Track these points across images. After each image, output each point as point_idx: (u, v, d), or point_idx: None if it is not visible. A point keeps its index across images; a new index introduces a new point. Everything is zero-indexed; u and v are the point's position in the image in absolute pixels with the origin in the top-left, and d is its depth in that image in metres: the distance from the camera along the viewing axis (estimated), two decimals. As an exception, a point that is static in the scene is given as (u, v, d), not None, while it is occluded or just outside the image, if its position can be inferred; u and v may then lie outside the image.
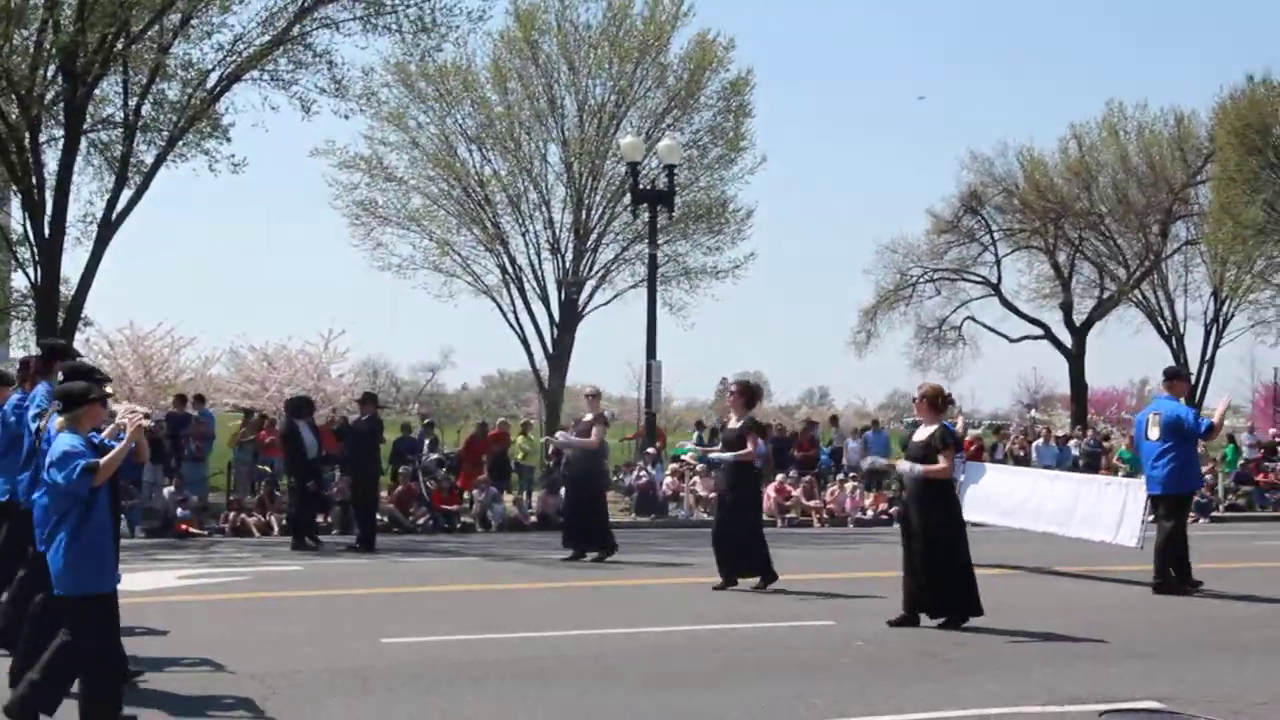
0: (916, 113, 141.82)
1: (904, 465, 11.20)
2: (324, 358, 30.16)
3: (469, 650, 9.60)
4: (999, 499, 16.73)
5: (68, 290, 24.69)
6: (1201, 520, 23.66)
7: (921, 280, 46.75)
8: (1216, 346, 43.32)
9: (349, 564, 16.41)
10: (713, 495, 26.10)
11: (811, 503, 25.09)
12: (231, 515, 20.87)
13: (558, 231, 33.58)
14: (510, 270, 33.51)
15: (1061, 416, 48.34)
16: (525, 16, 32.78)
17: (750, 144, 34.16)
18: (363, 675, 8.54)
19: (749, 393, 14.07)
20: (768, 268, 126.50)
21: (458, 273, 33.93)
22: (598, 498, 17.13)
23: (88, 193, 25.81)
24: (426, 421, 28.12)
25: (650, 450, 27.07)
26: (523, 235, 33.54)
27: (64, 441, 6.83)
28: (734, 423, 13.83)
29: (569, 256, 33.51)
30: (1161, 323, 43.91)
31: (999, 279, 46.41)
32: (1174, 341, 43.83)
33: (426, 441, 25.23)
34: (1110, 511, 14.87)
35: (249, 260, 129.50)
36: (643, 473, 25.55)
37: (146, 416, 7.41)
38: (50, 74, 23.27)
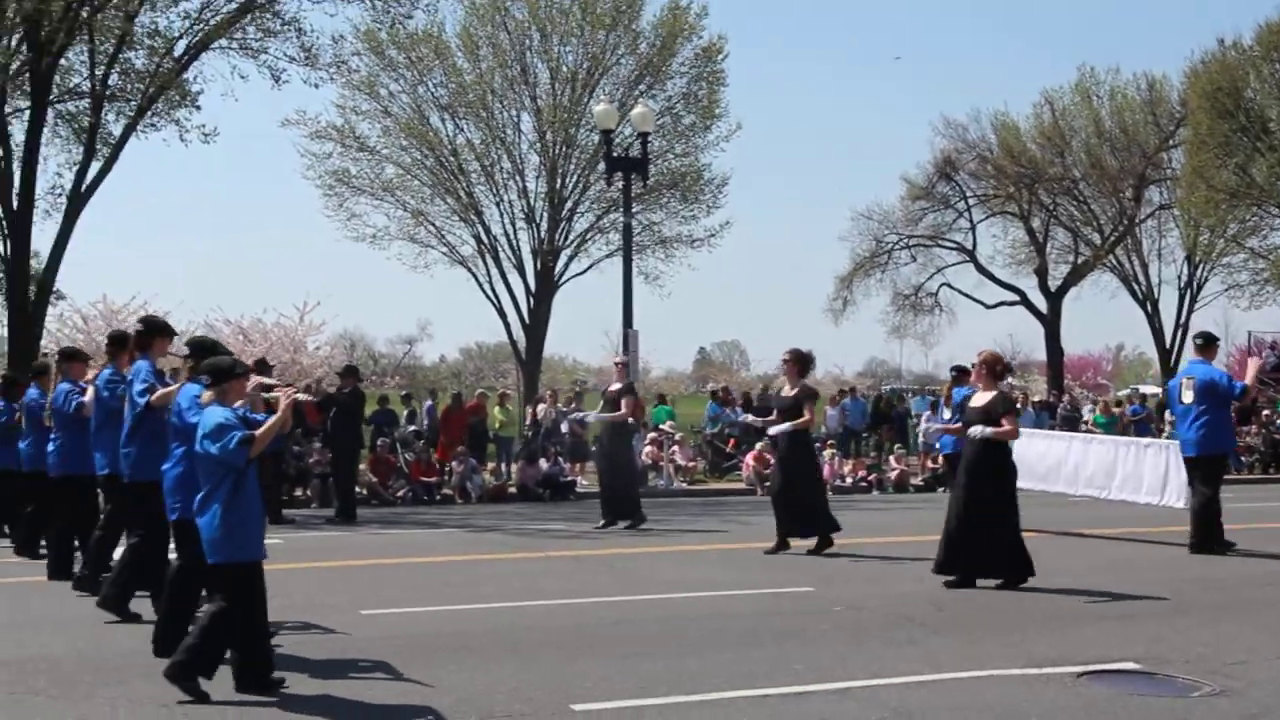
0: (890, 80, 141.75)
1: (975, 430, 11.25)
2: (300, 330, 30.02)
3: (450, 621, 9.58)
4: (1034, 463, 16.81)
5: (38, 264, 24.49)
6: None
7: (897, 247, 46.84)
8: (1191, 311, 43.53)
9: (329, 536, 16.36)
10: (691, 464, 26.31)
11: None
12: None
13: (532, 201, 33.50)
14: (485, 240, 33.43)
15: (1038, 382, 48.56)
16: (495, -18, 32.58)
17: (724, 111, 34.14)
18: (342, 647, 8.51)
19: (802, 361, 14.18)
20: (743, 236, 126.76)
21: (432, 243, 33.88)
22: (627, 468, 17.32)
23: (56, 164, 25.65)
24: (404, 394, 28.06)
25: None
26: (497, 205, 33.48)
27: (217, 414, 7.10)
28: (788, 390, 14.09)
29: (544, 226, 33.43)
30: (1136, 287, 44.09)
31: (974, 245, 46.54)
32: (1149, 306, 44.02)
33: (405, 413, 25.17)
34: (1153, 474, 15.19)
35: (223, 232, 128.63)
36: (620, 442, 25.49)
37: (307, 389, 7.87)
38: (14, 43, 23.00)
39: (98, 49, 23.89)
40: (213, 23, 23.97)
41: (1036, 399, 33.91)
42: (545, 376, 39.29)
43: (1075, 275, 45.30)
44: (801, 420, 13.76)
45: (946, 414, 17.28)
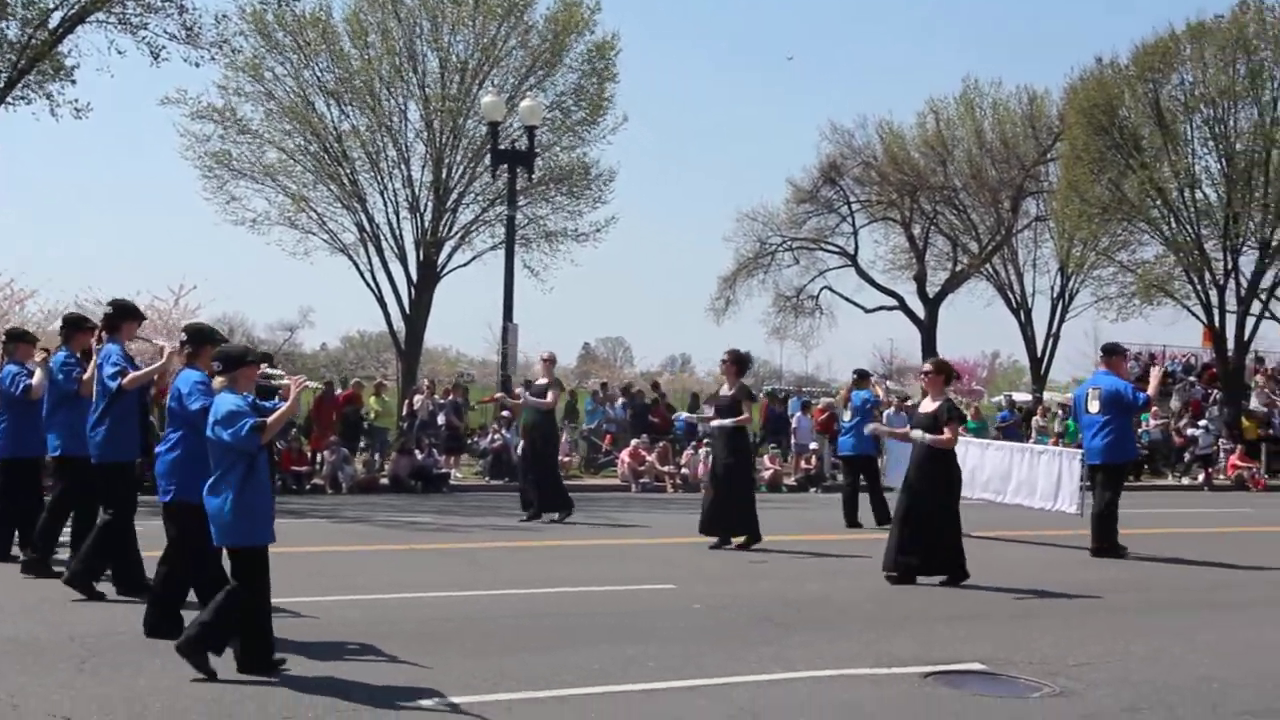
0: (779, 82, 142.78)
1: (916, 434, 11.79)
2: (174, 314, 29.31)
3: (304, 613, 9.43)
4: None
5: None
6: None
7: (780, 249, 47.33)
8: (1062, 321, 44.58)
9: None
10: (566, 460, 26.26)
11: (665, 468, 25.24)
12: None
13: (417, 190, 33.09)
14: (368, 228, 32.93)
15: (915, 387, 49.38)
16: (386, -32, 32.13)
17: (612, 105, 34.04)
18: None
19: (740, 361, 14.82)
20: (629, 232, 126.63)
21: (314, 230, 33.25)
22: (552, 460, 17.52)
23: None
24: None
25: (505, 414, 26.94)
26: (381, 193, 32.98)
27: (228, 401, 7.26)
28: (726, 390, 14.60)
29: (428, 216, 33.06)
30: (1011, 296, 45.04)
31: (856, 250, 47.21)
32: (1022, 315, 44.99)
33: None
34: (1047, 479, 15.59)
35: (94, 211, 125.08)
36: (497, 436, 25.41)
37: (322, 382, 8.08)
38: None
39: (-34, 18, 23.12)
40: (91, -5, 23.32)
41: (910, 403, 34.44)
42: (426, 367, 38.90)
43: (953, 282, 46.18)
44: (741, 418, 14.29)
45: (846, 416, 17.57)
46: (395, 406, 27.53)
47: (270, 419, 7.31)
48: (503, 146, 28.07)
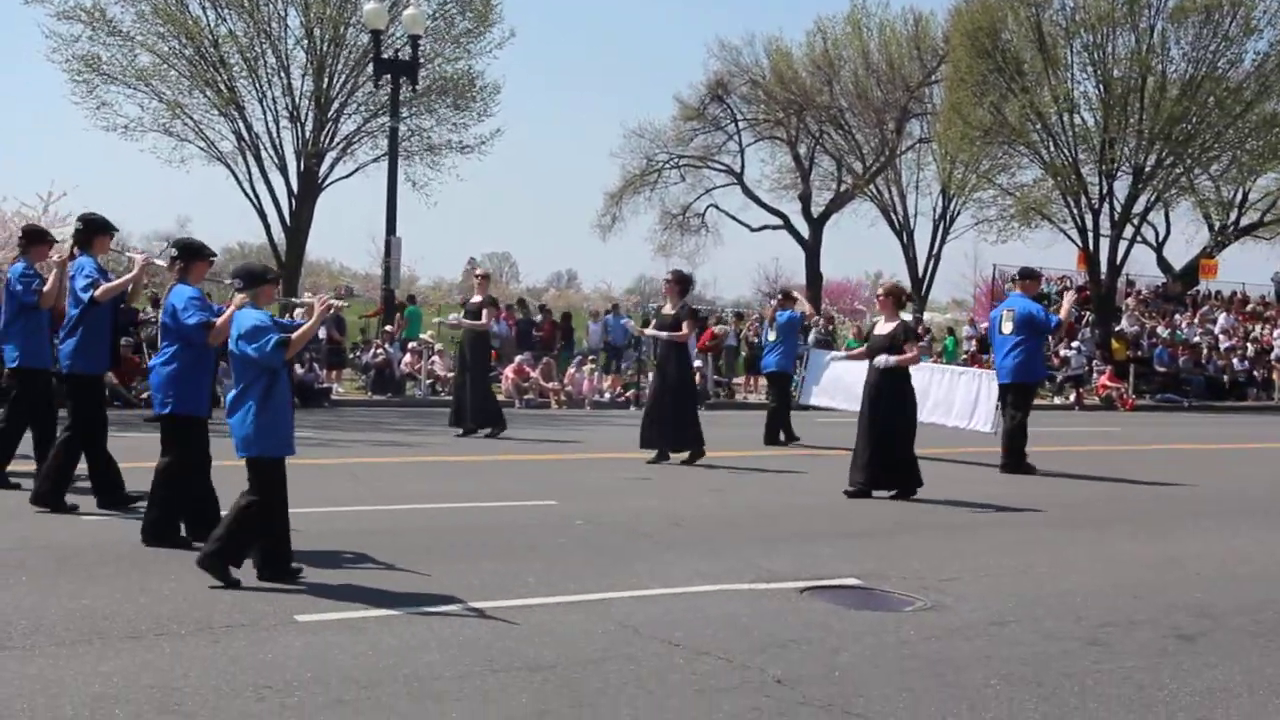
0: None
1: (880, 359, 12.10)
2: (44, 221, 28.34)
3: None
4: (850, 385, 17.37)
5: None
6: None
7: (667, 166, 47.27)
8: (943, 242, 45.32)
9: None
10: (450, 374, 26.09)
11: (550, 384, 25.19)
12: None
13: (297, 99, 32.26)
14: (246, 138, 32.06)
15: (799, 305, 49.87)
16: None
17: (499, 18, 33.45)
18: (71, 550, 8.14)
19: (683, 281, 15.37)
20: (514, 147, 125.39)
21: (190, 138, 32.28)
22: (485, 379, 17.74)
23: None
24: (153, 295, 26.86)
25: (388, 328, 26.64)
26: (260, 101, 32.07)
27: (251, 316, 7.43)
28: (668, 309, 14.98)
29: (309, 126, 32.29)
30: (894, 217, 45.60)
31: (742, 168, 47.36)
32: (905, 236, 45.62)
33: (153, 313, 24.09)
34: (964, 399, 16.01)
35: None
36: (380, 351, 25.13)
37: (339, 295, 8.19)
38: None
39: None
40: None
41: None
42: (308, 280, 38.29)
43: (837, 203, 46.59)
44: (679, 334, 14.59)
45: (771, 335, 17.89)
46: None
47: (294, 335, 7.55)
48: (386, 56, 27.46)
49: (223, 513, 8.06)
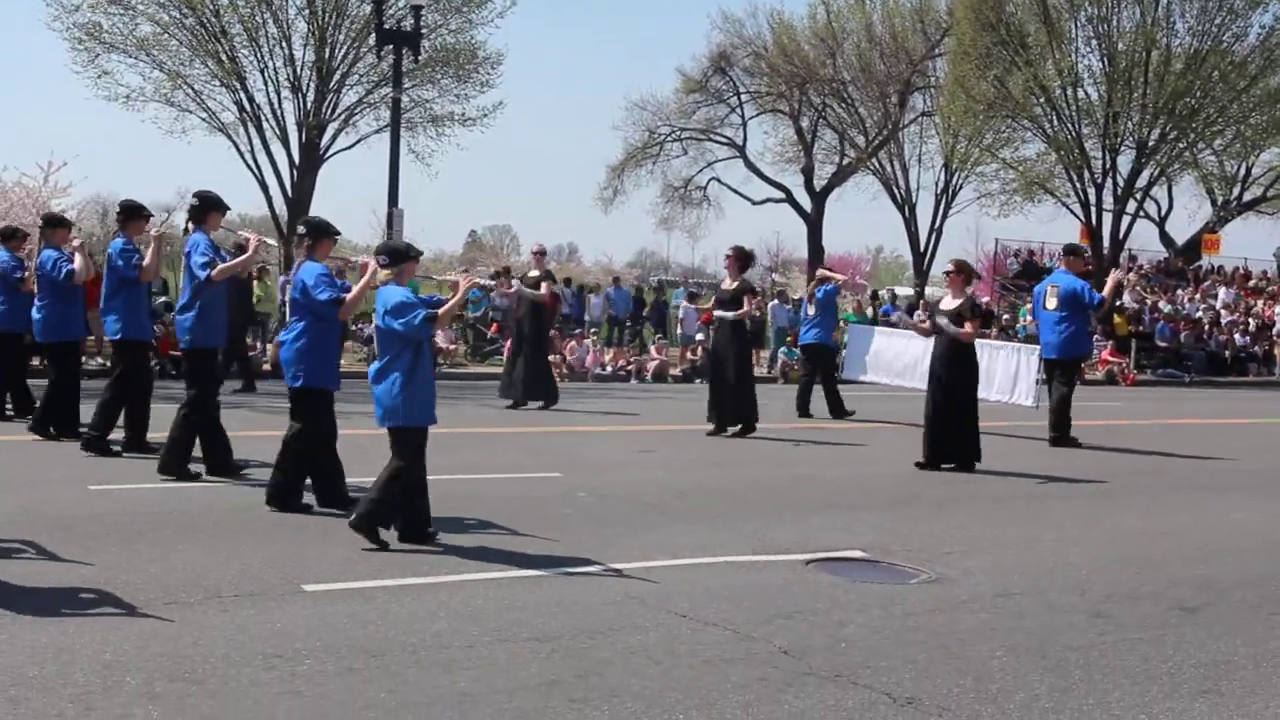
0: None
1: (942, 321, 12.35)
2: (44, 191, 28.31)
3: (179, 500, 9.29)
4: (891, 361, 18.02)
5: None
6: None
7: (669, 139, 47.13)
8: (945, 216, 45.24)
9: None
10: (450, 347, 26.12)
11: (552, 357, 25.16)
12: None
13: (299, 70, 32.22)
14: (248, 108, 32.04)
15: (799, 279, 49.87)
16: None
17: (501, -13, 33.32)
18: (66, 524, 8.17)
19: (744, 258, 15.41)
20: (517, 119, 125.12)
21: (191, 108, 32.23)
22: (542, 353, 18.06)
23: None
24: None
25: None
26: (261, 72, 32.04)
27: (397, 293, 7.79)
28: (727, 284, 15.14)
29: (310, 97, 32.25)
30: (896, 191, 45.50)
31: (744, 141, 47.26)
32: (907, 210, 45.53)
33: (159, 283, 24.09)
34: (1005, 374, 16.17)
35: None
36: (381, 322, 25.11)
37: (495, 276, 8.75)
38: None
39: None
40: None
41: (796, 296, 34.77)
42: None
43: (839, 176, 46.50)
44: (742, 311, 14.75)
45: (811, 310, 17.94)
46: (277, 292, 27.02)
47: (441, 310, 7.93)
48: (388, 26, 27.35)
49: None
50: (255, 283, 25.80)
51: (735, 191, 48.10)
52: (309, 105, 32.19)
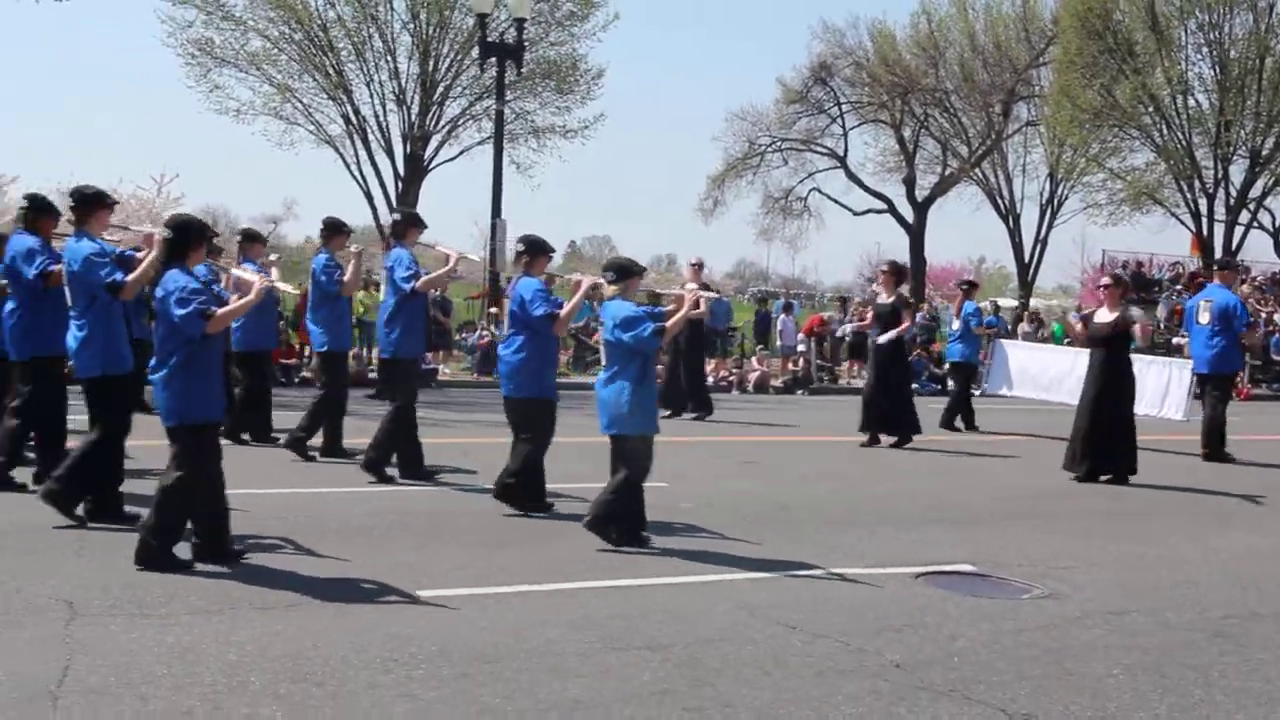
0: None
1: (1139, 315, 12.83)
2: (157, 203, 29.11)
3: (316, 503, 9.47)
4: (1036, 375, 18.12)
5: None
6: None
7: (769, 150, 46.97)
8: (1050, 227, 44.59)
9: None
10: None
11: (656, 367, 25.23)
12: None
13: (403, 83, 32.72)
14: (354, 121, 32.59)
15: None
16: None
17: (603, 1, 33.54)
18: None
19: (899, 272, 15.62)
20: (618, 130, 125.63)
21: (299, 120, 32.87)
22: (699, 364, 18.47)
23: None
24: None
25: (493, 310, 26.87)
26: (367, 85, 32.59)
27: (625, 307, 8.20)
28: (885, 298, 15.19)
29: (415, 109, 32.72)
30: (999, 202, 44.93)
31: (845, 152, 46.92)
32: (1010, 221, 44.94)
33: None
34: (1155, 387, 16.14)
35: (77, 97, 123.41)
36: (485, 333, 25.38)
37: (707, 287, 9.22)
38: None
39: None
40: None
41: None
42: (423, 262, 38.59)
43: (942, 187, 46.00)
44: (902, 327, 14.92)
45: (956, 324, 18.00)
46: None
47: (668, 323, 8.31)
48: (491, 39, 27.67)
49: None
50: (360, 294, 26.26)
51: (836, 202, 47.83)
52: (413, 117, 32.66)
